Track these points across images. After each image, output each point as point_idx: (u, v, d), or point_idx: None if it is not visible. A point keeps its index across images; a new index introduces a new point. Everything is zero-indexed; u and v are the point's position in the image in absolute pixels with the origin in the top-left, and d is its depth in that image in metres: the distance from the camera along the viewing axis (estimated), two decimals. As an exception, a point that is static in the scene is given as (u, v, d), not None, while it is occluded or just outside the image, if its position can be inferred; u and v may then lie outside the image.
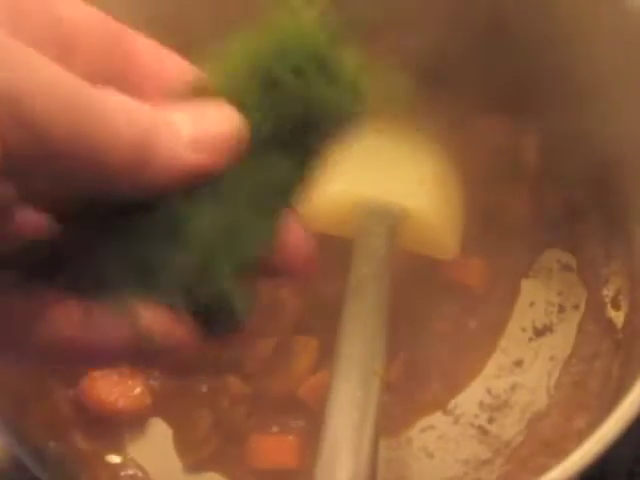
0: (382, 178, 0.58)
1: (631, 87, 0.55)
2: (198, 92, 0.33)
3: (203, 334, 0.33)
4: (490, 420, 0.60)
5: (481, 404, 0.61)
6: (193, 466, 0.59)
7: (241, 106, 0.33)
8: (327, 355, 0.55)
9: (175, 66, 0.34)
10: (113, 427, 0.58)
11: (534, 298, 0.63)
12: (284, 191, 0.35)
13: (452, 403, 0.61)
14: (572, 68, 0.59)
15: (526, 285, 0.64)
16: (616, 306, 0.60)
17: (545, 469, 0.44)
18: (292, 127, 0.34)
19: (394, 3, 0.61)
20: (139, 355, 0.32)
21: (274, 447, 0.58)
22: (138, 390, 0.58)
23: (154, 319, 0.31)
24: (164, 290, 0.32)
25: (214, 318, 0.33)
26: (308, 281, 0.61)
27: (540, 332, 0.62)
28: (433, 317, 0.62)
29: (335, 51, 0.34)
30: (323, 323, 0.59)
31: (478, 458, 0.59)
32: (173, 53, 0.35)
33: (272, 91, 0.33)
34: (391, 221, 0.56)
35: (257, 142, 0.33)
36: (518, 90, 0.62)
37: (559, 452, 0.56)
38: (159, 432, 0.59)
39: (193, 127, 0.31)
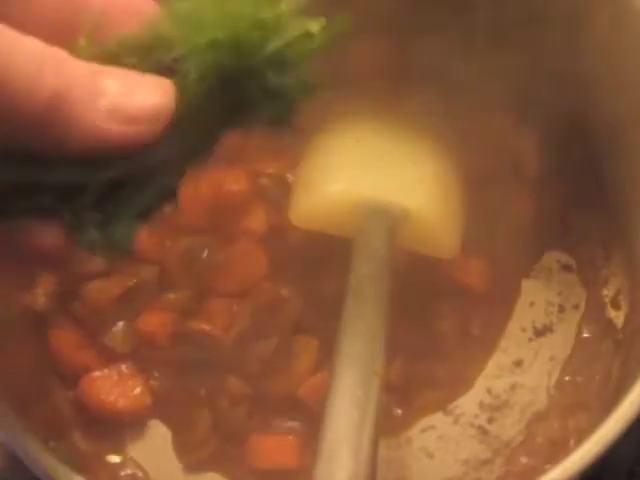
0: (382, 178, 0.58)
1: (631, 86, 0.55)
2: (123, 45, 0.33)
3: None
4: (490, 420, 0.60)
5: (481, 404, 0.61)
6: (193, 466, 0.59)
7: (175, 70, 0.33)
8: (327, 355, 0.55)
9: None
10: (113, 427, 0.58)
11: (534, 298, 0.63)
12: (197, 158, 0.35)
13: (452, 403, 0.61)
14: (572, 68, 0.59)
15: (526, 285, 0.64)
16: (616, 306, 0.60)
17: (545, 469, 0.44)
18: (224, 99, 0.34)
19: (396, 4, 0.61)
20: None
21: (274, 447, 0.58)
22: (138, 390, 0.58)
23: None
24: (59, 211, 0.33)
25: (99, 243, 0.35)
26: (308, 281, 0.61)
27: (540, 332, 0.62)
28: (433, 317, 0.62)
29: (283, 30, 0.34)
30: (323, 323, 0.59)
31: (478, 458, 0.59)
32: None
33: (210, 55, 0.33)
34: (391, 221, 0.56)
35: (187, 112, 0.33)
36: (518, 90, 0.62)
37: (559, 452, 0.56)
38: (159, 432, 0.59)
39: (118, 94, 0.30)
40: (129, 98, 0.30)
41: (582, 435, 0.47)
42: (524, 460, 0.58)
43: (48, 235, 0.33)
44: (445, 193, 0.59)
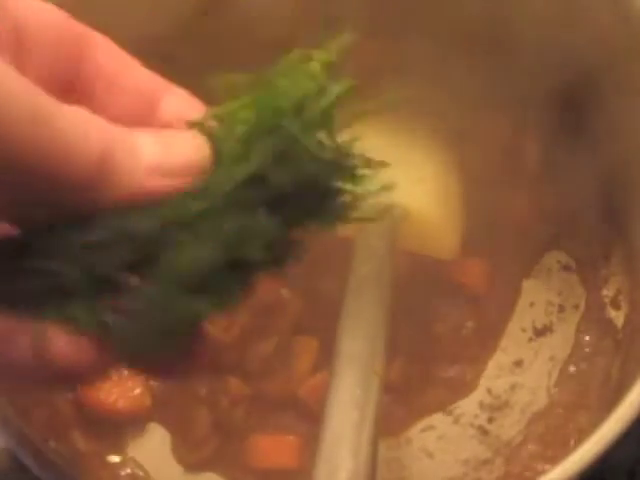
0: (382, 178, 0.58)
1: (631, 86, 0.55)
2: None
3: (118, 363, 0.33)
4: (490, 420, 0.60)
5: (481, 404, 0.61)
6: (193, 466, 0.59)
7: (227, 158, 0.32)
8: (327, 355, 0.55)
9: (138, 74, 0.34)
10: (113, 427, 0.58)
11: (534, 298, 0.63)
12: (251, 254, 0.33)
13: (452, 403, 0.61)
14: (572, 68, 0.59)
15: (526, 285, 0.64)
16: (616, 306, 0.60)
17: (545, 469, 0.44)
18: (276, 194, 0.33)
19: (396, 5, 0.61)
20: (44, 374, 0.31)
21: (274, 447, 0.58)
22: (138, 391, 0.58)
23: (64, 343, 0.31)
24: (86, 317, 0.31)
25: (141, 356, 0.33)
26: (308, 281, 0.61)
27: (540, 332, 0.62)
28: (433, 317, 0.62)
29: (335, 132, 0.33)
30: (323, 323, 0.59)
31: (478, 458, 0.59)
32: (136, 61, 0.34)
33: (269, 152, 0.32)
34: (391, 221, 0.56)
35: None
36: (518, 90, 0.62)
37: (559, 452, 0.56)
38: (159, 432, 0.59)
39: (157, 153, 0.31)
40: (166, 155, 0.31)
41: (582, 435, 0.47)
42: (524, 460, 0.58)
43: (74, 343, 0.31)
44: (445, 193, 0.59)
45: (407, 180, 0.58)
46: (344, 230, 0.57)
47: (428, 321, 0.62)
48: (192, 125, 0.32)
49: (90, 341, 0.31)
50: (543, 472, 0.44)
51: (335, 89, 0.33)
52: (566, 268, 0.64)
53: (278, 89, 0.32)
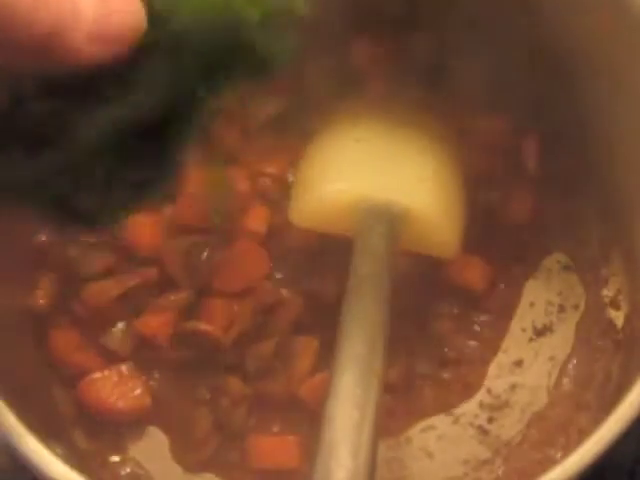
0: (382, 177, 0.58)
1: (629, 88, 0.55)
2: None
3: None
4: (490, 420, 0.60)
5: (481, 404, 0.61)
6: (193, 466, 0.59)
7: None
8: (327, 355, 0.55)
9: None
10: (113, 427, 0.58)
11: (534, 298, 0.63)
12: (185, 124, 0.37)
13: (452, 404, 0.61)
14: (572, 68, 0.59)
15: (526, 285, 0.64)
16: (616, 306, 0.60)
17: (545, 469, 0.44)
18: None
19: (395, 3, 0.61)
20: None
21: (274, 447, 0.58)
22: (138, 391, 0.59)
23: None
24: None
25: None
26: (308, 281, 0.61)
27: (540, 332, 0.62)
28: (433, 317, 0.62)
29: None
30: (323, 323, 0.59)
31: (478, 458, 0.59)
32: None
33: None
34: (391, 220, 0.56)
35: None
36: (518, 90, 0.62)
37: (559, 452, 0.56)
38: (159, 432, 0.59)
39: (95, 22, 0.34)
40: (106, 22, 0.34)
41: (582, 435, 0.47)
42: (524, 460, 0.58)
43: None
44: (445, 192, 0.59)
45: (407, 179, 0.58)
46: (344, 230, 0.57)
47: (428, 321, 0.62)
48: None
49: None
50: (543, 472, 0.44)
51: None
52: (566, 268, 0.64)
53: None
